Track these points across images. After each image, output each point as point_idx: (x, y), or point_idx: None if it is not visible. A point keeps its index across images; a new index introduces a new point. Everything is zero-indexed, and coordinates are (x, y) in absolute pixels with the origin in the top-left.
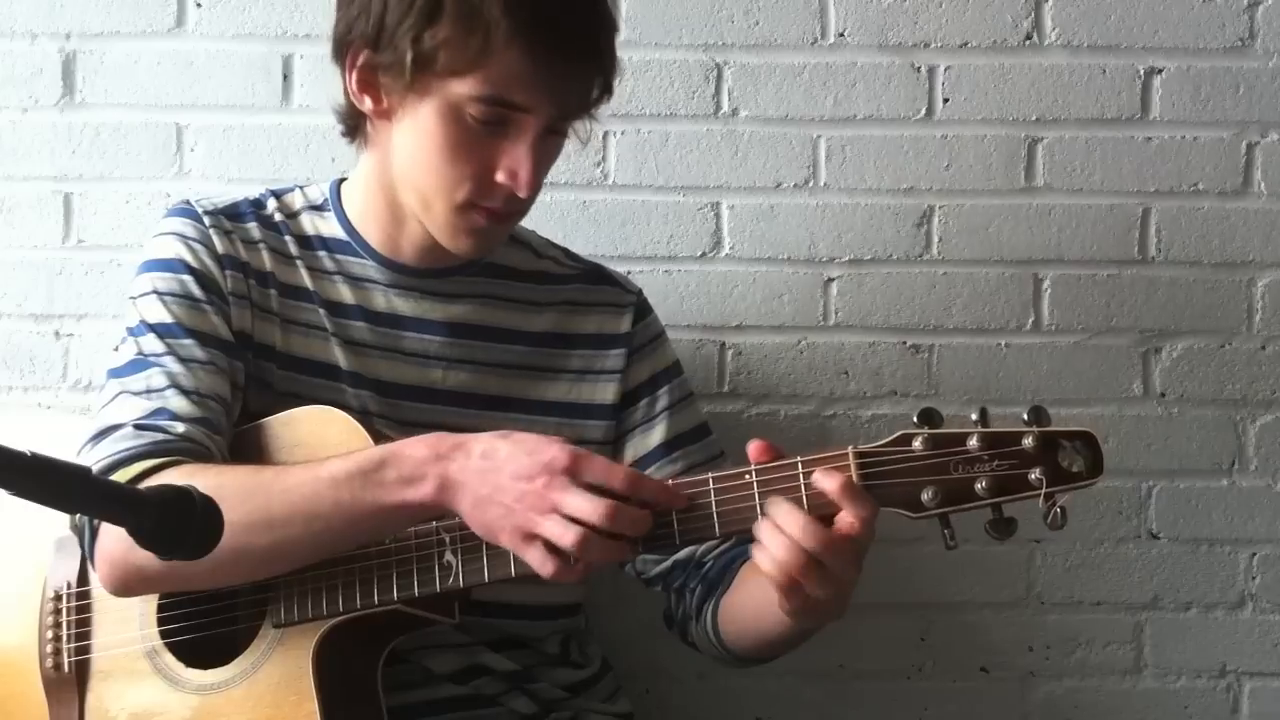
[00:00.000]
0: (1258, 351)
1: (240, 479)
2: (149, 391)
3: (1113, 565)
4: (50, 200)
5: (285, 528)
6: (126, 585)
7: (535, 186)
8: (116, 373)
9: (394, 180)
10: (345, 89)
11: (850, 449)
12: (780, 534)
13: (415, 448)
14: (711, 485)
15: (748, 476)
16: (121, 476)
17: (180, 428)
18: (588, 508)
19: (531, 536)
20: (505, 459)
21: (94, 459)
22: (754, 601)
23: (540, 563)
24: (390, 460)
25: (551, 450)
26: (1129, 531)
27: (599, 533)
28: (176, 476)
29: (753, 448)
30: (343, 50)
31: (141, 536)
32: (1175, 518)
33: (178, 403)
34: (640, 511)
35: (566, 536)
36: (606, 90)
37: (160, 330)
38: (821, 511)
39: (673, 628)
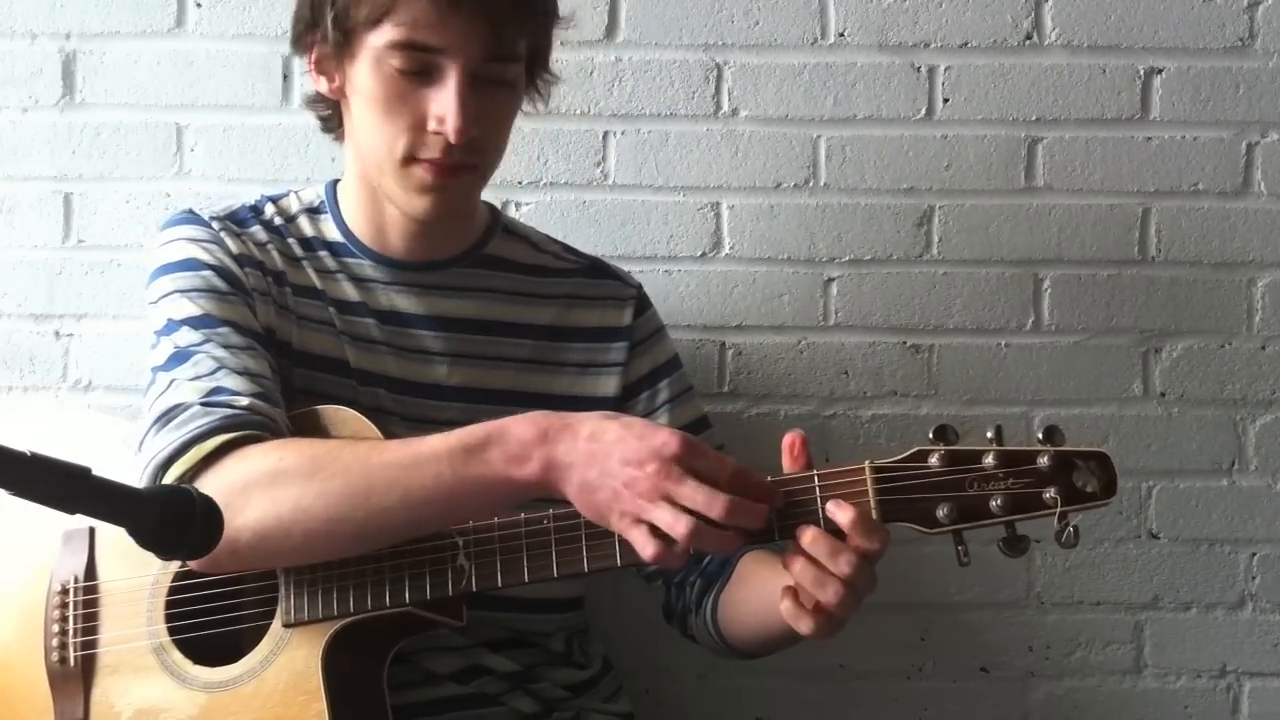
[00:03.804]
0: (1258, 351)
1: (335, 449)
2: (199, 377)
3: (1113, 565)
4: (50, 200)
5: (384, 498)
6: (216, 562)
7: (466, 132)
8: (161, 367)
9: (362, 159)
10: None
11: (867, 464)
12: (813, 567)
13: (522, 426)
14: None
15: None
16: (197, 454)
17: (245, 401)
18: (703, 500)
19: (639, 521)
20: (614, 442)
21: (164, 442)
22: (755, 599)
23: (643, 544)
24: (496, 437)
25: (662, 435)
26: (1129, 531)
27: (710, 524)
28: (262, 452)
29: (789, 441)
30: (299, 45)
31: (141, 536)
32: (1175, 518)
33: (232, 381)
34: (759, 506)
35: (678, 526)
36: (533, 32)
37: (193, 323)
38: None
39: (671, 621)
